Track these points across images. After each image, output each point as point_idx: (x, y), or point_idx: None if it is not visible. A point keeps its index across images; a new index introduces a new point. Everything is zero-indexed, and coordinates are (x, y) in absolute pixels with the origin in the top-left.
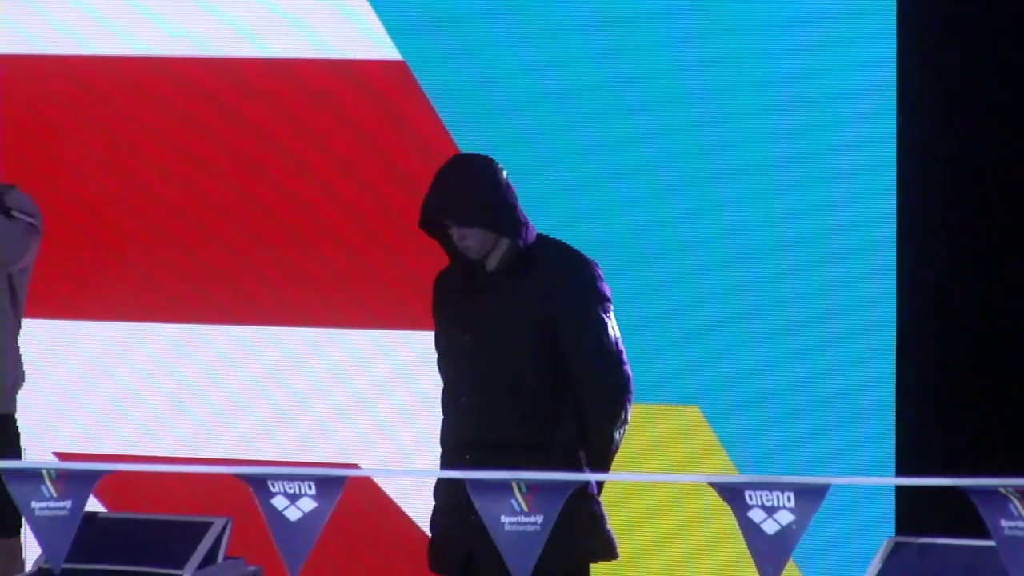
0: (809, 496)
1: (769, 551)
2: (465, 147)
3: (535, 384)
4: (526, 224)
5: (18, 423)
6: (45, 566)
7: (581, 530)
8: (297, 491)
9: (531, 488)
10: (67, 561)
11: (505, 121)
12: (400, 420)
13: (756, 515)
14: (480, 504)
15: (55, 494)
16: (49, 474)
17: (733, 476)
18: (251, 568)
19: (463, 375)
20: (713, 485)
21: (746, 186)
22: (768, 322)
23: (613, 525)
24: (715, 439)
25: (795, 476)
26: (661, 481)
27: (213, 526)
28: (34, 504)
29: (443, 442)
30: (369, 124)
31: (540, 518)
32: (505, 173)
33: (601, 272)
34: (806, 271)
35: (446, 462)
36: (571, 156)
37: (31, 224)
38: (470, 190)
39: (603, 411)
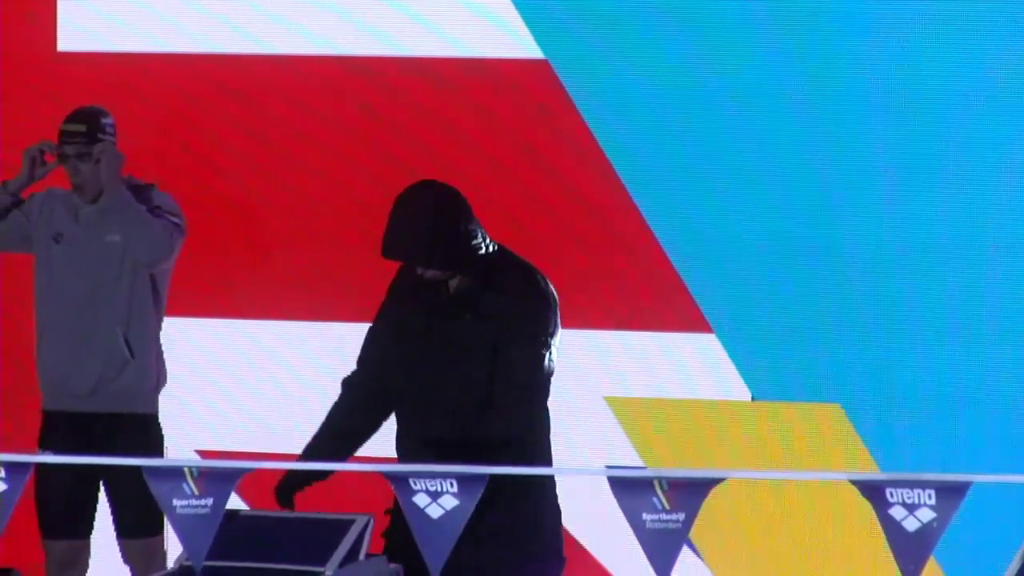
0: (950, 494)
1: (910, 549)
2: (609, 146)
3: (489, 402)
4: (485, 251)
5: (160, 422)
6: (186, 564)
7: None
8: (439, 488)
9: (672, 485)
10: (208, 559)
11: (647, 120)
12: None
13: (897, 513)
14: (621, 502)
15: (196, 492)
16: (191, 472)
17: (874, 474)
18: (392, 566)
19: (421, 392)
20: (854, 482)
21: (893, 185)
22: (910, 320)
23: (753, 523)
24: (856, 437)
25: (936, 474)
26: (802, 479)
27: (355, 523)
28: (176, 502)
29: (401, 446)
30: (511, 122)
31: (681, 515)
32: (459, 201)
33: (554, 299)
34: (950, 270)
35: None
36: (712, 153)
37: (176, 224)
38: (425, 235)
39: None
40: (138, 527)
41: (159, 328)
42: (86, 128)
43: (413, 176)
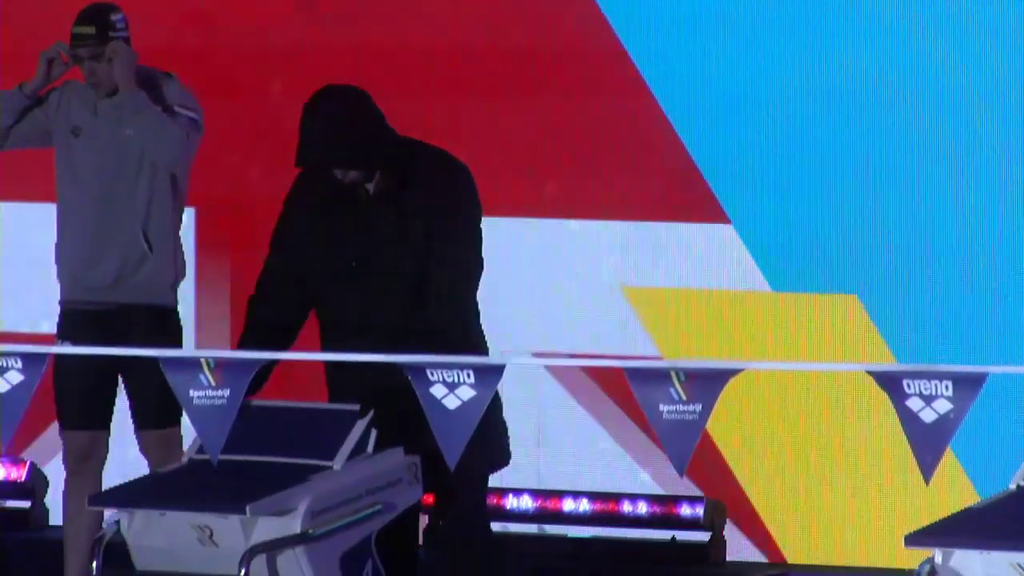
0: (967, 385)
1: (927, 440)
2: (627, 38)
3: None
4: (398, 147)
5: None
6: (197, 456)
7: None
8: (456, 380)
9: (689, 376)
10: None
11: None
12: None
13: (914, 404)
14: (638, 393)
15: (213, 383)
16: (207, 363)
17: (891, 365)
18: (408, 458)
19: (349, 299)
20: (871, 373)
21: (909, 72)
22: (928, 210)
23: (771, 414)
24: (873, 328)
25: (953, 365)
26: (819, 370)
27: (363, 417)
28: (192, 393)
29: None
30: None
31: (699, 406)
32: (365, 99)
33: (472, 183)
34: (968, 159)
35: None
36: (732, 47)
37: (192, 119)
38: (347, 137)
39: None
40: (155, 418)
41: (179, 223)
42: (95, 29)
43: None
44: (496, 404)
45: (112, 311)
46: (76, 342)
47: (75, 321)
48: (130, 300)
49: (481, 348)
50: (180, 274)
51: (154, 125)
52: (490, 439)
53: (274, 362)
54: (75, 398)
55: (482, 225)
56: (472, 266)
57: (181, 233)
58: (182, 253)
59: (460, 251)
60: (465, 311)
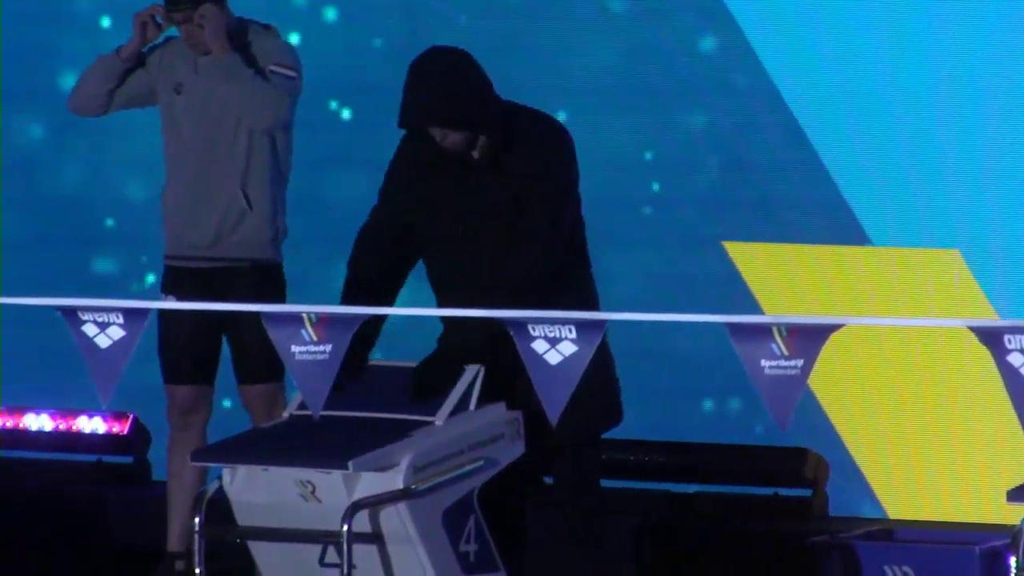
0: None
1: None
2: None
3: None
4: (501, 111)
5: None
6: (297, 413)
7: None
8: (557, 335)
9: (791, 332)
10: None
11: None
12: None
13: (1015, 359)
14: (740, 349)
15: (315, 338)
16: (309, 318)
17: (992, 320)
18: (511, 414)
19: (455, 265)
20: (973, 329)
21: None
22: None
23: (871, 370)
24: (975, 283)
25: None
26: (920, 325)
27: (465, 373)
28: (294, 348)
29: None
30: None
31: (800, 362)
32: (471, 61)
33: (571, 143)
34: None
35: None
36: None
37: (288, 78)
38: (452, 95)
39: (511, 278)
40: (258, 373)
41: (283, 179)
42: None
43: None
44: (608, 361)
45: (214, 268)
46: (180, 298)
47: (179, 277)
48: (232, 256)
49: (588, 303)
50: (282, 231)
51: (247, 89)
52: (604, 397)
53: (382, 321)
54: (180, 353)
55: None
56: (566, 226)
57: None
58: (284, 210)
59: (555, 211)
60: (568, 266)
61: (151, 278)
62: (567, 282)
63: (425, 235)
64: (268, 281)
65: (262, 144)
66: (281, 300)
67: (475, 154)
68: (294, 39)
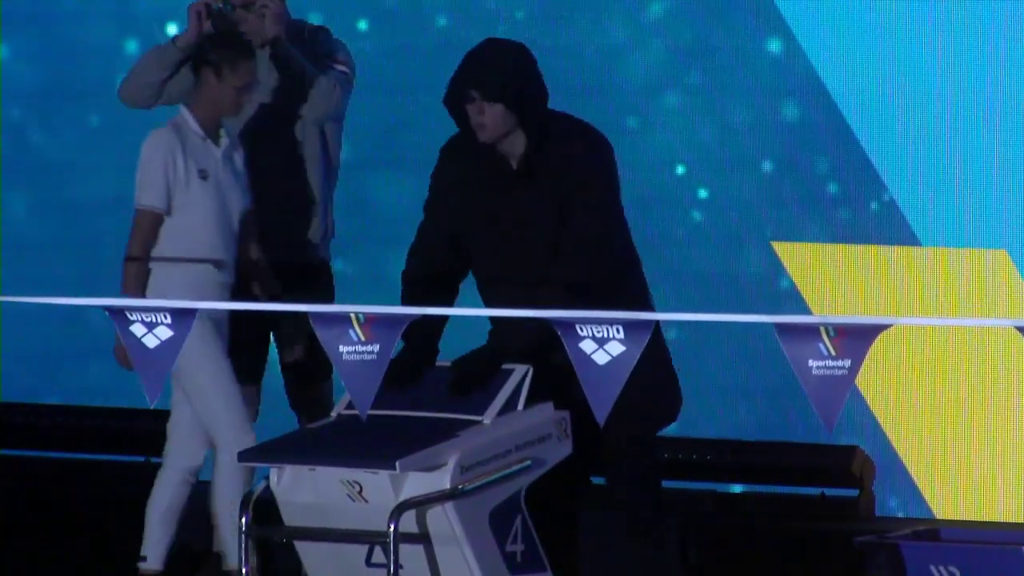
0: None
1: None
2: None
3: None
4: (546, 119)
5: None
6: (345, 412)
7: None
8: (605, 335)
9: (839, 332)
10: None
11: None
12: None
13: None
14: (788, 348)
15: (363, 338)
16: (357, 318)
17: None
18: (558, 413)
19: (498, 272)
20: (1020, 329)
21: None
22: None
23: (919, 370)
24: (1022, 283)
25: None
26: (968, 325)
27: (514, 373)
28: (342, 348)
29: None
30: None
31: (848, 362)
32: (530, 53)
33: (609, 149)
34: None
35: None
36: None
37: (343, 73)
38: (502, 66)
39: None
40: (305, 373)
41: (332, 179)
42: None
43: None
44: (665, 359)
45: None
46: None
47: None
48: (281, 257)
49: (640, 303)
50: (331, 230)
51: (301, 79)
52: (663, 394)
53: (442, 325)
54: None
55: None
56: (606, 234)
57: None
58: (332, 208)
59: (594, 221)
60: (611, 273)
61: None
62: (618, 283)
63: (471, 246)
64: (318, 281)
65: (313, 137)
66: (330, 298)
67: (513, 164)
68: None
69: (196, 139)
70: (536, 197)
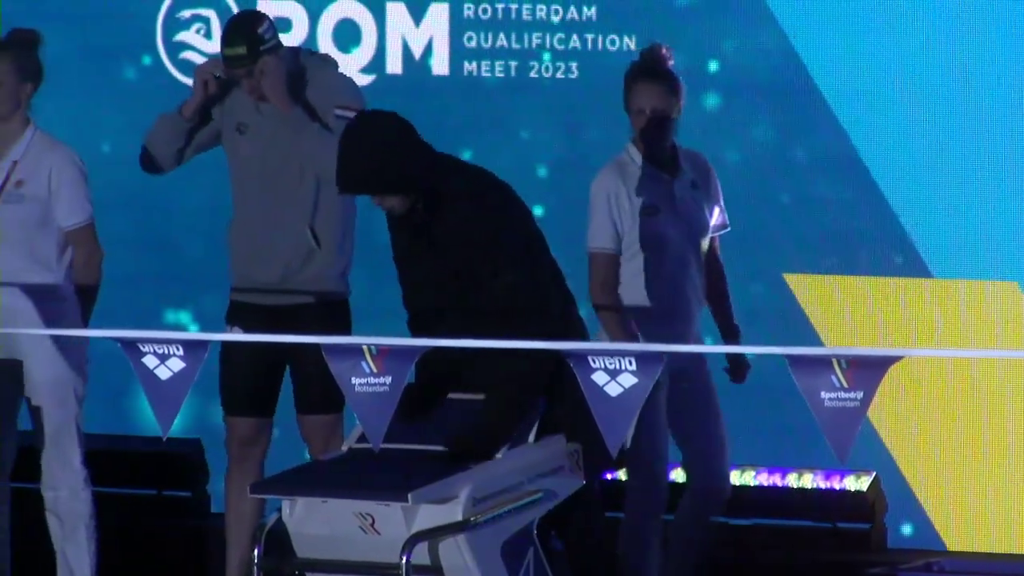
0: None
1: None
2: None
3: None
4: (436, 174)
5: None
6: (356, 446)
7: None
8: (618, 367)
9: (851, 364)
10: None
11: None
12: None
13: None
14: (800, 380)
15: (375, 370)
16: (369, 350)
17: None
18: (570, 446)
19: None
20: None
21: None
22: None
23: (931, 402)
24: None
25: None
26: (980, 357)
27: None
28: (354, 380)
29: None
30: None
31: (860, 394)
32: (400, 124)
33: (500, 200)
34: None
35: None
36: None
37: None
38: (381, 164)
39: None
40: (318, 403)
41: (352, 210)
42: (246, 49)
43: None
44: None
45: (281, 306)
46: (246, 330)
47: (245, 312)
48: (299, 298)
49: (574, 333)
50: (349, 264)
51: (315, 145)
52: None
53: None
54: (241, 385)
55: (531, 230)
56: (527, 286)
57: None
58: (352, 243)
59: (509, 278)
60: (542, 323)
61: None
62: (560, 324)
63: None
64: (334, 315)
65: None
66: (347, 333)
67: (412, 217)
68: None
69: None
70: (441, 263)
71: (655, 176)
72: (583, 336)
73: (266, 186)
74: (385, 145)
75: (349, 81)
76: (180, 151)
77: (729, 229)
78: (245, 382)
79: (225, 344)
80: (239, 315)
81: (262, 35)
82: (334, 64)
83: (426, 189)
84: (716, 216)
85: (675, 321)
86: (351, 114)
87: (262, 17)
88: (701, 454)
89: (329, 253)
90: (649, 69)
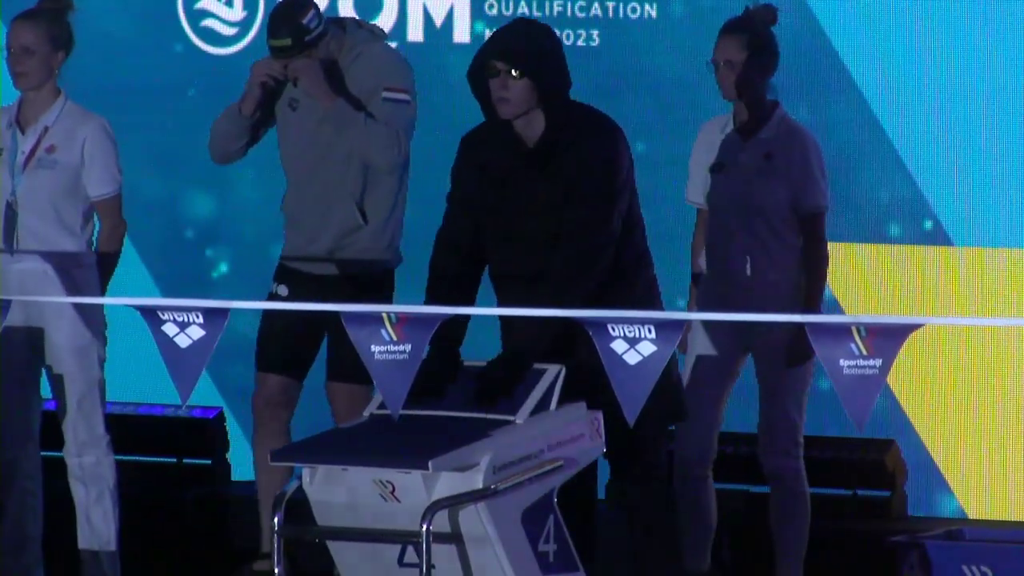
0: None
1: None
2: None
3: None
4: (566, 105)
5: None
6: (377, 412)
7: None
8: (637, 335)
9: (870, 332)
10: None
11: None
12: None
13: None
14: (820, 348)
15: (395, 338)
16: (389, 318)
17: None
18: (590, 413)
19: (509, 263)
20: None
21: None
22: None
23: (951, 369)
24: None
25: None
26: (1001, 325)
27: (547, 373)
28: (374, 348)
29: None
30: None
31: (879, 361)
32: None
33: (622, 146)
34: None
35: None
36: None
37: (400, 102)
38: (529, 41)
39: (565, 275)
40: (349, 372)
41: (403, 186)
42: (291, 41)
43: None
44: (672, 358)
45: (330, 277)
46: (291, 291)
47: (294, 276)
48: (347, 270)
49: (647, 304)
50: (397, 236)
51: (361, 136)
52: (669, 393)
53: (467, 320)
54: (277, 341)
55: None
56: (616, 222)
57: None
58: (402, 215)
59: (605, 206)
60: (626, 265)
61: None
62: (626, 282)
63: (484, 237)
64: (378, 286)
65: (391, 148)
66: (387, 302)
67: (528, 145)
68: None
69: None
70: (546, 184)
71: (731, 136)
72: (649, 298)
73: (313, 164)
74: (549, 38)
75: (399, 59)
76: (246, 146)
77: (823, 211)
78: (283, 340)
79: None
80: (287, 277)
81: (307, 25)
82: (382, 36)
83: (557, 106)
84: (803, 194)
85: (720, 286)
86: (400, 96)
87: (308, 4)
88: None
89: (376, 228)
90: (728, 21)
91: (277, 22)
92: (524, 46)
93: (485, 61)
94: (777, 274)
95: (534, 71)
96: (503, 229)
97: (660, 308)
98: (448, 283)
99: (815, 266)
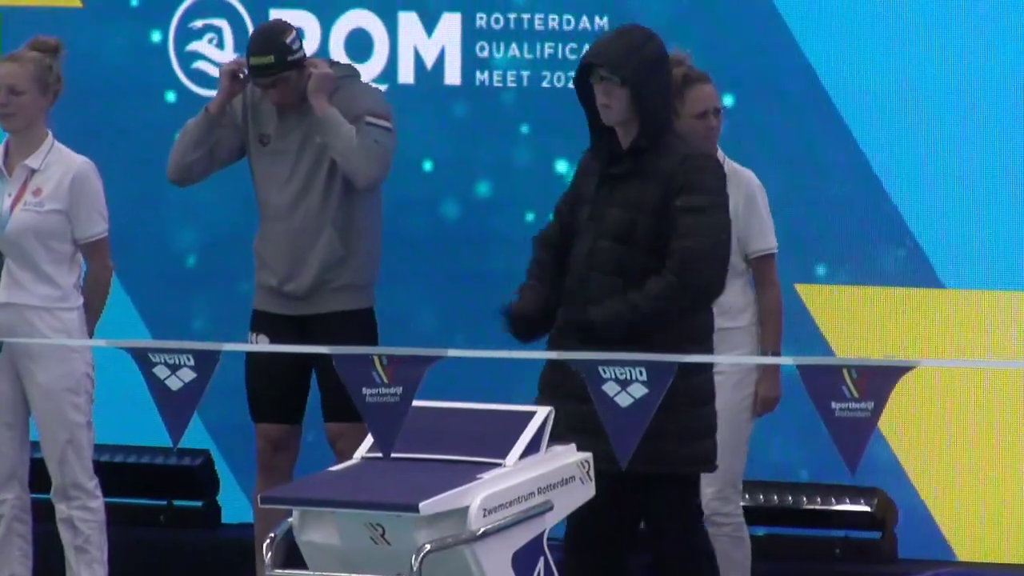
0: None
1: None
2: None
3: (645, 267)
4: (665, 116)
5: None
6: (368, 456)
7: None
8: (628, 377)
9: (862, 373)
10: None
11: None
12: None
13: None
14: (811, 390)
15: (386, 380)
16: (380, 360)
17: None
18: (581, 455)
19: (580, 252)
20: None
21: None
22: None
23: (941, 412)
24: None
25: None
26: (993, 368)
27: (536, 415)
28: (365, 390)
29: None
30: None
31: (871, 404)
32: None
33: (715, 176)
34: None
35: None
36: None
37: (384, 129)
38: (635, 49)
39: (660, 288)
40: (342, 411)
41: (377, 222)
42: (274, 58)
43: None
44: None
45: (308, 317)
46: (273, 339)
47: (272, 320)
48: (326, 308)
49: (696, 342)
50: (375, 273)
51: (348, 143)
52: (696, 439)
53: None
54: (269, 391)
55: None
56: (725, 247)
57: None
58: (379, 250)
59: (716, 226)
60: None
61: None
62: (689, 319)
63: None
64: (361, 327)
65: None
66: (373, 342)
67: (623, 143)
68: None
69: None
70: (635, 185)
71: None
72: (700, 333)
73: (290, 198)
74: (657, 47)
75: (377, 92)
76: (210, 153)
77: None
78: (273, 388)
79: (248, 353)
80: (264, 324)
81: (290, 45)
82: (358, 74)
83: (653, 120)
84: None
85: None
86: (384, 123)
87: (289, 27)
88: None
89: (358, 261)
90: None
91: (259, 41)
92: (626, 54)
93: (590, 66)
94: (729, 321)
95: (634, 81)
96: (580, 222)
97: (710, 347)
98: (540, 268)
99: (771, 308)
